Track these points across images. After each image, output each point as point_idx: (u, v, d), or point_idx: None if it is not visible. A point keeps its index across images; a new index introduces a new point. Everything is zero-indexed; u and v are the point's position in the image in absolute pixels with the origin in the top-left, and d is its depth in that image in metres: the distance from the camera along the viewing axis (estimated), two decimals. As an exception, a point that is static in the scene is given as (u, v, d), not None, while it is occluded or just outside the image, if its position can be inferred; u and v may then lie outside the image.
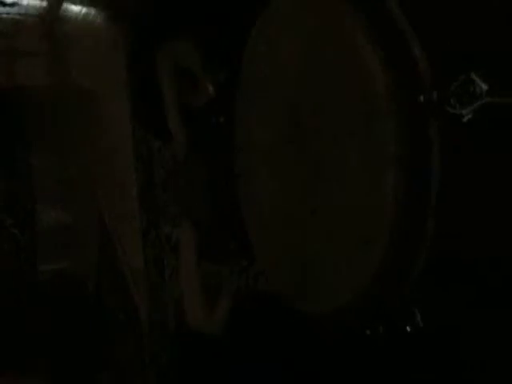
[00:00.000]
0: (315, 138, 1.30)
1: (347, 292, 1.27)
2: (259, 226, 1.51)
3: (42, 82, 2.55)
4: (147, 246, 2.17)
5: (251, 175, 1.50)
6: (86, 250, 2.51)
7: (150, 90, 1.66)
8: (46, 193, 2.59)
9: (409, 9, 1.22)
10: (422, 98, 1.15)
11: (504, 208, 1.21)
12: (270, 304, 1.51)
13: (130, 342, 2.28)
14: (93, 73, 2.28)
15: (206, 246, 1.65)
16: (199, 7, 1.61)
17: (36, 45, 2.52)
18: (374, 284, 1.23)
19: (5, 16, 2.49)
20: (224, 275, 1.64)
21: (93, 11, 2.28)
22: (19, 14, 2.50)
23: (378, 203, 1.19)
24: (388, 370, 1.42)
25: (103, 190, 2.34)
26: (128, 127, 2.03)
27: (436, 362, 1.36)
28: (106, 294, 2.40)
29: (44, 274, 2.57)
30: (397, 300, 1.25)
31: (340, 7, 1.25)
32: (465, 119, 1.13)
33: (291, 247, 1.40)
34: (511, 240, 1.21)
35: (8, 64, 2.53)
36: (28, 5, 2.52)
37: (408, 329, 1.24)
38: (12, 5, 2.50)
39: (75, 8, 2.36)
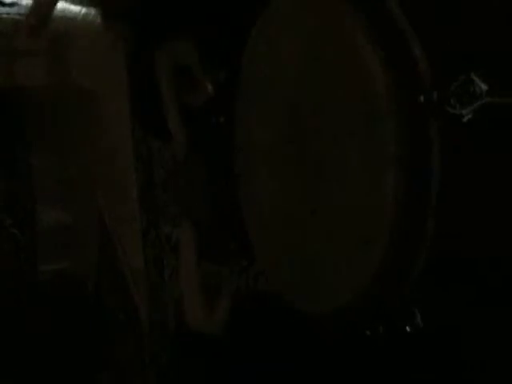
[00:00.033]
0: (315, 138, 1.30)
1: (347, 292, 1.27)
2: (259, 226, 1.51)
3: (42, 81, 2.55)
4: (147, 246, 2.17)
5: (251, 175, 1.50)
6: (85, 250, 2.51)
7: (150, 89, 1.66)
8: (46, 193, 2.58)
9: (409, 9, 1.22)
10: (422, 98, 1.15)
11: (504, 208, 1.21)
12: (270, 304, 1.51)
13: (129, 342, 2.28)
14: (93, 73, 2.28)
15: (206, 246, 1.65)
16: (199, 7, 1.61)
17: (35, 45, 2.52)
18: (374, 284, 1.23)
19: (4, 16, 2.49)
20: (224, 275, 1.64)
21: (92, 11, 2.28)
22: (19, 14, 2.50)
23: (378, 203, 1.19)
24: (388, 370, 1.42)
25: (103, 190, 2.34)
26: (128, 127, 2.03)
27: (436, 361, 1.36)
28: (105, 293, 2.39)
29: (44, 274, 2.56)
30: (397, 300, 1.25)
31: (340, 7, 1.25)
32: (465, 119, 1.13)
33: (291, 247, 1.40)
34: (511, 240, 1.21)
35: (7, 64, 2.53)
36: (28, 5, 2.52)
37: (408, 329, 1.24)
38: (11, 5, 2.49)
39: (75, 8, 2.36)
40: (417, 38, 1.19)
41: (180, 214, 1.76)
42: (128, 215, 2.20)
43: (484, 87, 1.12)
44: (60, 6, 2.45)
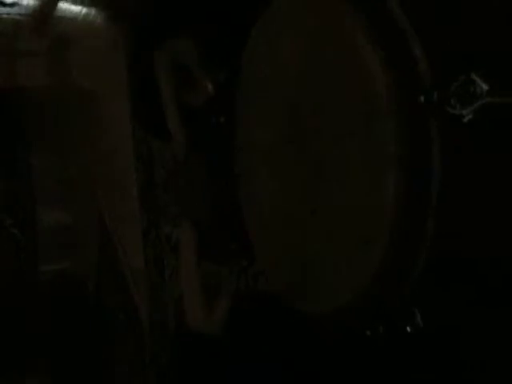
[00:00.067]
0: (315, 138, 1.30)
1: (347, 292, 1.27)
2: (259, 226, 1.51)
3: (42, 82, 2.55)
4: (147, 246, 2.17)
5: (251, 175, 1.50)
6: (86, 250, 2.51)
7: (150, 89, 1.66)
8: (46, 193, 2.58)
9: (409, 9, 1.22)
10: (422, 98, 1.15)
11: (504, 208, 1.21)
12: (270, 304, 1.51)
13: (129, 342, 2.28)
14: (93, 73, 2.28)
15: (206, 246, 1.65)
16: (200, 7, 1.61)
17: (36, 45, 2.52)
18: (374, 284, 1.23)
19: (5, 16, 2.49)
20: (224, 275, 1.64)
21: (93, 11, 2.28)
22: (19, 15, 2.50)
23: (378, 203, 1.19)
24: (388, 370, 1.42)
25: (103, 190, 2.34)
26: (128, 127, 2.03)
27: (436, 361, 1.36)
28: (106, 293, 2.39)
29: (44, 273, 2.56)
30: (397, 300, 1.25)
31: (340, 7, 1.25)
32: (465, 119, 1.13)
33: (291, 247, 1.40)
34: (511, 240, 1.21)
35: (8, 64, 2.53)
36: (28, 5, 2.52)
37: (408, 329, 1.23)
38: (12, 5, 2.50)
39: (75, 8, 2.36)
40: (417, 38, 1.19)
41: (180, 214, 1.76)
42: (128, 215, 2.20)
43: (484, 87, 1.12)
44: (61, 6, 2.45)
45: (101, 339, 2.37)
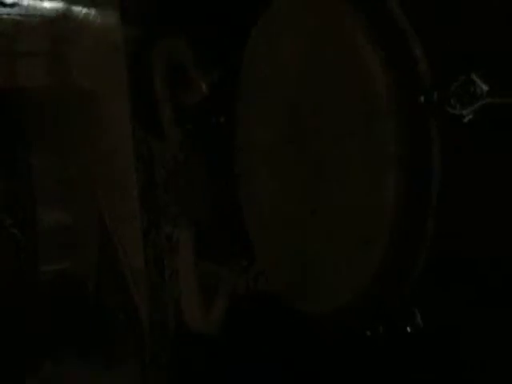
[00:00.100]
0: (315, 138, 1.31)
1: (347, 292, 1.27)
2: (259, 226, 1.51)
3: (42, 82, 2.55)
4: (147, 246, 2.17)
5: (251, 175, 1.50)
6: (86, 250, 2.50)
7: (150, 89, 1.66)
8: (46, 193, 2.58)
9: (409, 9, 1.22)
10: (422, 98, 1.15)
11: (504, 208, 1.21)
12: (270, 304, 1.51)
13: (129, 342, 2.28)
14: (93, 73, 2.28)
15: (206, 246, 1.65)
16: (201, 7, 1.61)
17: (36, 45, 2.52)
18: (374, 284, 1.23)
19: (5, 16, 2.49)
20: (222, 275, 1.64)
21: (93, 11, 2.28)
22: (19, 15, 2.50)
23: (378, 203, 1.19)
24: (388, 370, 1.42)
25: (103, 190, 2.34)
26: (128, 127, 2.03)
27: (436, 361, 1.36)
28: (106, 293, 2.39)
29: (44, 274, 2.56)
30: (397, 300, 1.25)
31: (340, 7, 1.25)
32: (465, 120, 1.13)
33: (291, 247, 1.40)
34: (511, 240, 1.21)
35: (8, 64, 2.53)
36: (28, 5, 2.52)
37: (408, 329, 1.23)
38: (12, 5, 2.50)
39: (75, 8, 2.36)
40: (417, 38, 1.19)
41: (180, 214, 1.76)
42: (128, 215, 2.20)
43: (484, 88, 1.12)
44: (61, 6, 2.45)
45: (101, 339, 2.37)
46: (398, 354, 1.38)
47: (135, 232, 2.07)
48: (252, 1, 1.47)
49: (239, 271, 1.65)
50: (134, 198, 2.07)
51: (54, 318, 2.42)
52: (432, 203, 1.17)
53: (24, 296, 2.52)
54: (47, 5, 2.54)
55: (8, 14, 2.51)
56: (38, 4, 2.54)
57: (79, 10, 2.36)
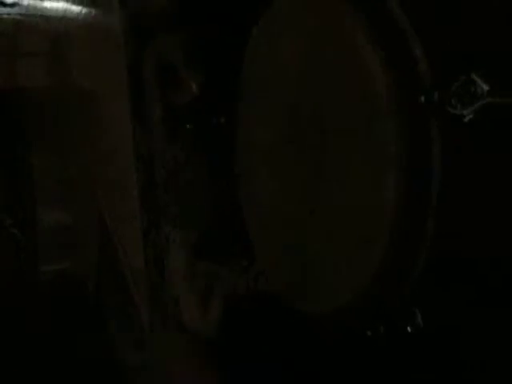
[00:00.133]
0: (315, 138, 1.31)
1: (347, 292, 1.27)
2: (259, 226, 1.51)
3: (42, 82, 2.55)
4: (148, 246, 2.17)
5: (251, 175, 1.50)
6: (86, 250, 2.50)
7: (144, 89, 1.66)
8: (47, 193, 2.58)
9: (409, 9, 1.22)
10: (422, 98, 1.15)
11: (504, 208, 1.21)
12: (270, 304, 1.51)
13: (129, 342, 2.28)
14: (93, 73, 2.28)
15: (206, 246, 1.65)
16: (201, 7, 1.61)
17: (36, 45, 2.52)
18: (375, 284, 1.23)
19: (5, 16, 2.49)
20: (221, 275, 1.64)
21: (93, 11, 2.28)
22: (20, 15, 2.50)
23: (378, 203, 1.19)
24: (388, 370, 1.42)
25: (103, 190, 2.34)
26: (128, 127, 2.03)
27: (436, 361, 1.36)
28: (106, 293, 2.39)
29: (44, 273, 2.56)
30: (397, 300, 1.25)
31: (340, 7, 1.25)
32: (466, 119, 1.13)
33: (291, 247, 1.40)
34: (511, 240, 1.21)
35: (8, 64, 2.53)
36: (28, 5, 2.52)
37: (409, 329, 1.23)
38: (12, 5, 2.50)
39: (75, 8, 2.36)
40: (417, 39, 1.19)
41: (180, 214, 1.76)
42: (128, 215, 2.20)
43: (485, 87, 1.12)
44: (61, 6, 2.46)
45: (101, 339, 2.37)
46: (398, 353, 1.38)
47: (135, 232, 2.07)
48: (252, 1, 1.47)
49: (239, 271, 1.65)
50: (134, 198, 2.06)
51: (54, 317, 2.42)
52: (432, 203, 1.17)
53: (24, 296, 2.52)
54: (47, 5, 2.54)
55: (8, 14, 2.51)
56: (38, 4, 2.54)
57: (79, 9, 2.36)
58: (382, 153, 1.17)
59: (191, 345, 1.70)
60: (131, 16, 1.76)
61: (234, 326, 1.60)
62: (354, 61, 1.21)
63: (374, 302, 1.27)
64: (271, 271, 1.50)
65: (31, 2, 2.52)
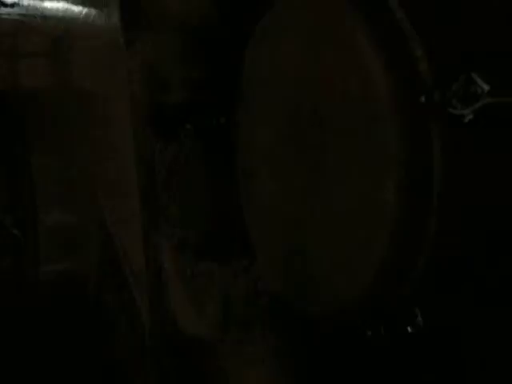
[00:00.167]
0: (315, 139, 1.31)
1: (348, 292, 1.27)
2: (259, 226, 1.51)
3: (43, 82, 2.55)
4: (148, 246, 2.17)
5: (251, 175, 1.50)
6: (86, 250, 2.50)
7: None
8: (47, 193, 2.58)
9: (410, 9, 1.22)
10: (423, 98, 1.15)
11: (504, 208, 1.21)
12: (271, 304, 1.51)
13: (130, 343, 2.28)
14: (93, 73, 2.28)
15: (206, 246, 1.65)
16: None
17: (37, 45, 2.51)
18: (375, 284, 1.23)
19: (5, 17, 2.49)
20: (220, 275, 1.64)
21: (93, 11, 2.28)
22: (20, 15, 2.50)
23: (378, 203, 1.19)
24: (388, 370, 1.42)
25: (104, 190, 2.34)
26: (128, 127, 2.03)
27: (436, 362, 1.36)
28: (106, 294, 2.39)
29: (45, 274, 2.56)
30: (397, 300, 1.25)
31: (341, 8, 1.25)
32: (466, 119, 1.13)
33: (291, 247, 1.40)
34: (511, 240, 1.21)
35: (8, 64, 2.53)
36: (29, 5, 2.51)
37: (409, 329, 1.23)
38: (13, 5, 2.49)
39: (76, 8, 2.36)
40: (418, 39, 1.19)
41: (180, 214, 1.76)
42: (129, 215, 2.20)
43: (485, 87, 1.12)
44: (61, 6, 2.45)
45: (101, 339, 2.37)
46: (398, 353, 1.38)
47: (136, 232, 2.07)
48: (253, 1, 1.47)
49: (239, 271, 1.65)
50: (135, 198, 2.06)
51: (55, 317, 2.42)
52: (432, 203, 1.17)
53: (25, 296, 2.52)
54: (48, 5, 2.54)
55: (8, 14, 2.51)
56: (39, 4, 2.54)
57: (80, 9, 2.36)
58: (382, 153, 1.17)
59: None
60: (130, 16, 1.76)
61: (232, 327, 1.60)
62: (355, 61, 1.21)
63: (375, 302, 1.27)
64: (271, 271, 1.50)
65: (31, 2, 2.51)
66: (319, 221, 1.32)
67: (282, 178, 1.41)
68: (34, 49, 2.52)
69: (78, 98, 2.44)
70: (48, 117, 2.56)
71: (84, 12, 2.32)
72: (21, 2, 2.51)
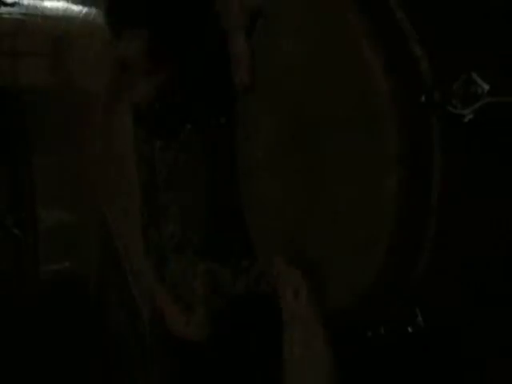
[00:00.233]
0: (316, 139, 1.30)
1: (348, 293, 1.27)
2: (260, 227, 1.51)
3: (43, 82, 2.55)
4: (148, 246, 2.17)
5: (252, 175, 1.50)
6: (87, 249, 2.50)
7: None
8: (48, 192, 2.58)
9: (410, 9, 1.21)
10: (423, 98, 1.15)
11: (505, 208, 1.21)
12: (271, 304, 1.51)
13: (131, 342, 2.28)
14: (94, 73, 2.28)
15: (207, 247, 1.65)
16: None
17: (37, 45, 2.51)
18: (376, 285, 1.23)
19: (6, 16, 2.49)
20: (220, 276, 1.64)
21: (94, 11, 2.28)
22: (20, 14, 2.50)
23: (379, 204, 1.19)
24: (389, 370, 1.42)
25: (104, 190, 2.34)
26: (128, 127, 2.03)
27: (437, 361, 1.36)
28: (107, 293, 2.39)
29: (45, 273, 2.56)
30: (398, 300, 1.25)
31: (341, 8, 1.25)
32: (466, 119, 1.12)
33: (292, 248, 1.40)
34: (511, 240, 1.21)
35: (9, 64, 2.53)
36: (29, 5, 2.51)
37: (409, 329, 1.23)
38: (13, 5, 2.49)
39: (76, 8, 2.36)
40: (418, 38, 1.19)
41: (180, 214, 1.76)
42: (130, 215, 2.20)
43: (485, 87, 1.12)
44: (61, 5, 2.45)
45: (102, 339, 2.37)
46: (399, 353, 1.38)
47: (136, 232, 2.07)
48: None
49: (240, 272, 1.65)
50: (136, 198, 2.06)
51: (55, 317, 2.42)
52: (432, 203, 1.17)
53: (25, 296, 2.52)
54: (48, 4, 2.54)
55: (9, 14, 2.51)
56: (39, 3, 2.54)
57: (80, 9, 2.36)
58: (382, 153, 1.17)
59: None
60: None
61: (234, 326, 1.60)
62: (355, 61, 1.21)
63: (375, 303, 1.27)
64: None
65: (32, 2, 2.52)
66: (319, 221, 1.32)
67: (282, 178, 1.41)
68: (35, 48, 2.52)
69: (78, 97, 2.44)
70: (49, 116, 2.56)
71: (84, 11, 2.32)
72: (21, 2, 2.51)
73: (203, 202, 1.69)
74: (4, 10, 2.46)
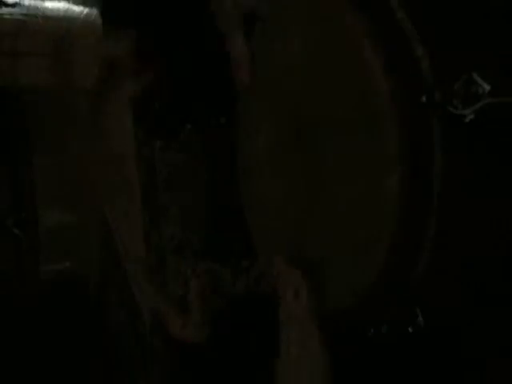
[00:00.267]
0: (316, 139, 1.30)
1: (350, 292, 1.27)
2: (261, 227, 1.51)
3: (44, 82, 2.55)
4: (149, 246, 2.17)
5: (252, 176, 1.50)
6: (88, 250, 2.50)
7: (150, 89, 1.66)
8: (48, 192, 2.58)
9: (411, 9, 1.21)
10: (424, 98, 1.15)
11: (505, 208, 1.21)
12: (271, 304, 1.51)
13: (131, 342, 2.28)
14: (94, 73, 2.28)
15: (207, 247, 1.65)
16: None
17: (38, 45, 2.51)
18: (377, 285, 1.23)
19: (7, 16, 2.49)
20: (220, 276, 1.64)
21: (95, 11, 2.28)
22: (21, 15, 2.50)
23: (380, 204, 1.19)
24: (389, 370, 1.42)
25: (104, 190, 2.34)
26: (129, 127, 2.03)
27: (437, 361, 1.36)
28: (107, 294, 2.39)
29: (46, 273, 2.56)
30: (399, 300, 1.25)
31: (342, 8, 1.25)
32: (467, 119, 1.12)
33: (293, 248, 1.40)
34: (511, 240, 1.21)
35: (10, 64, 2.53)
36: (30, 5, 2.51)
37: (410, 329, 1.23)
38: (14, 5, 2.49)
39: (76, 8, 2.36)
40: (419, 38, 1.19)
41: (180, 214, 1.76)
42: (130, 215, 2.20)
43: (486, 87, 1.12)
44: (62, 6, 2.45)
45: (102, 339, 2.37)
46: (399, 353, 1.38)
47: (136, 232, 2.07)
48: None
49: (240, 272, 1.65)
50: (136, 198, 2.06)
51: (56, 317, 2.42)
52: (433, 203, 1.16)
53: (25, 296, 2.52)
54: (49, 4, 2.54)
55: (10, 14, 2.51)
56: (40, 4, 2.54)
57: (81, 9, 2.36)
58: (382, 153, 1.17)
59: None
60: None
61: (234, 327, 1.60)
62: (356, 61, 1.21)
63: (376, 303, 1.27)
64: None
65: (33, 2, 2.51)
66: (319, 221, 1.32)
67: (282, 178, 1.41)
68: (35, 48, 2.52)
69: (78, 97, 2.44)
70: (49, 116, 2.56)
71: (85, 12, 2.32)
72: (22, 2, 2.50)
73: (203, 202, 1.69)
74: (5, 10, 2.46)
